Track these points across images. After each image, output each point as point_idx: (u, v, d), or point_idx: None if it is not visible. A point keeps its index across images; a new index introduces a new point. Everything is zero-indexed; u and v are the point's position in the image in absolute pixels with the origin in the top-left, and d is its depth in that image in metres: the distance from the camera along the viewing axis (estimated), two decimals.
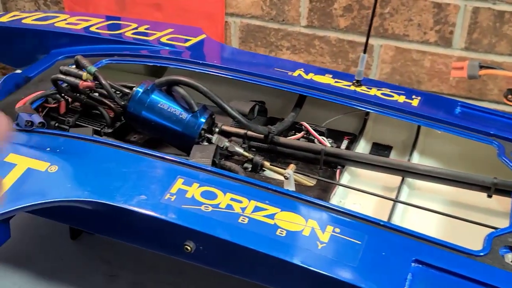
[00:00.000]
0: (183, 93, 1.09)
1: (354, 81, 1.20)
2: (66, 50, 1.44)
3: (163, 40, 1.40)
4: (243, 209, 0.87)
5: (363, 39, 1.75)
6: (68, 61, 1.39)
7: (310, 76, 1.23)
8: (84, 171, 0.95)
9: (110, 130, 1.17)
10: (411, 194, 1.08)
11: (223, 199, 0.89)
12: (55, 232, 1.21)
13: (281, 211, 0.87)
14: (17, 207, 0.89)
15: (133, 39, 1.41)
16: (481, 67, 1.43)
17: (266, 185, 0.92)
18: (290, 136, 1.20)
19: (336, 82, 1.21)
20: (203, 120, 1.09)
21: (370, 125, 1.24)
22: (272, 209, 0.87)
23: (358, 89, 1.19)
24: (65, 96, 1.20)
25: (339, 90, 1.18)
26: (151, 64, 1.30)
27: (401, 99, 1.16)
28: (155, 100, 1.10)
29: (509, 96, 1.37)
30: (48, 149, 1.01)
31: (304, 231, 0.84)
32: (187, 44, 1.38)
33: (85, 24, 1.50)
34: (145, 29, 1.47)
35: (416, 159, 1.15)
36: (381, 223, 0.86)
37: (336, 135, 1.21)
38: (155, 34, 1.43)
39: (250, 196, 0.90)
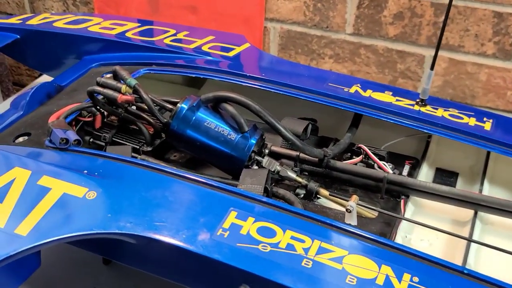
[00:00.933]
0: (233, 111, 0.99)
1: (418, 100, 1.09)
2: (100, 57, 1.35)
3: (204, 48, 1.30)
4: (306, 250, 0.77)
5: (413, 49, 1.64)
6: (102, 69, 1.30)
7: (368, 93, 1.12)
8: (126, 199, 0.86)
9: (149, 149, 1.08)
10: (484, 230, 0.97)
11: (283, 237, 0.79)
12: (87, 257, 1.12)
13: (349, 253, 0.77)
14: (52, 239, 0.80)
15: (171, 46, 1.32)
16: None
17: (330, 221, 0.82)
18: (346, 159, 1.10)
19: (397, 100, 1.10)
20: (253, 141, 0.99)
21: (433, 148, 1.13)
22: (339, 251, 0.77)
23: (423, 109, 1.08)
24: (101, 110, 1.10)
25: (401, 109, 1.07)
26: (193, 75, 1.20)
27: (472, 121, 1.05)
28: (201, 118, 1.00)
29: None
30: (85, 171, 0.91)
31: (378, 279, 0.73)
32: (231, 54, 1.28)
33: (120, 29, 1.40)
34: (184, 35, 1.37)
35: (487, 189, 1.04)
36: (465, 271, 0.75)
37: (396, 159, 1.10)
38: (195, 41, 1.33)
39: (313, 234, 0.79)
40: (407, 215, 0.98)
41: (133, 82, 1.03)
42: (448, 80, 1.60)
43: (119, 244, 0.85)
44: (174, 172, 0.91)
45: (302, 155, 1.05)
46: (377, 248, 0.78)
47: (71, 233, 0.80)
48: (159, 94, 1.32)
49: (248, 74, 1.17)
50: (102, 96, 1.07)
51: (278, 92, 1.13)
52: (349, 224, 0.87)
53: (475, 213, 0.96)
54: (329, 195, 0.98)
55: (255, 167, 1.01)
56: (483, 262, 0.89)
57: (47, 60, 1.48)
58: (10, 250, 0.77)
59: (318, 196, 1.01)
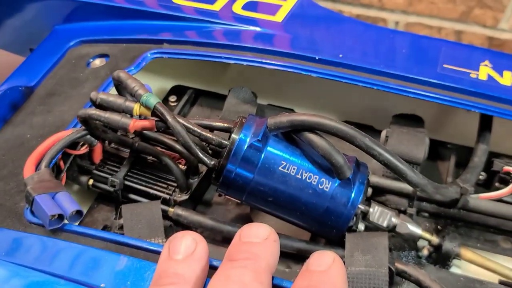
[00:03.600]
0: (325, 147, 0.60)
1: None
2: (79, 29, 0.93)
3: (237, 9, 0.88)
4: None
5: None
6: (85, 49, 0.88)
7: (507, 77, 0.74)
8: None
9: (185, 197, 0.70)
10: None
11: None
12: None
13: None
14: None
15: (186, 10, 0.89)
16: None
17: None
18: (478, 183, 0.74)
19: None
20: (360, 189, 0.62)
21: None
22: None
23: None
24: (101, 137, 0.71)
25: None
26: (229, 61, 0.79)
27: None
28: (273, 159, 0.62)
29: None
30: (103, 285, 0.54)
31: None
32: (278, 16, 0.87)
33: None
34: None
35: None
36: None
37: None
38: None
39: None
40: None
41: (152, 100, 0.63)
42: None
43: None
44: None
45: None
46: None
47: None
48: (168, 77, 0.94)
49: (316, 57, 0.76)
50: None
51: (368, 86, 0.74)
52: None
53: None
54: (477, 257, 0.63)
55: (361, 225, 0.65)
56: None
57: (9, 32, 1.05)
58: None
59: (456, 257, 0.67)
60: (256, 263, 0.40)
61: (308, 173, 0.62)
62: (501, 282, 0.62)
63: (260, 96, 0.84)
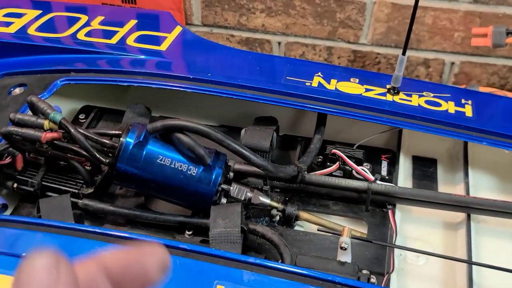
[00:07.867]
0: (189, 143, 0.82)
1: (389, 87, 0.97)
2: (0, 64, 1.11)
3: (130, 42, 1.09)
4: None
5: None
6: (7, 81, 1.07)
7: (333, 84, 0.98)
8: None
9: (91, 190, 0.90)
10: (480, 232, 0.89)
11: None
12: None
13: None
14: None
15: (88, 44, 1.09)
16: (509, 33, 1.24)
17: (334, 278, 0.71)
18: (317, 164, 0.98)
19: (366, 90, 0.97)
20: (219, 172, 0.84)
21: (406, 136, 1.02)
22: None
23: (396, 98, 0.96)
24: (22, 148, 0.90)
25: (371, 102, 0.95)
26: (124, 84, 1.00)
27: (451, 108, 0.95)
28: (152, 154, 0.83)
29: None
30: (24, 254, 0.73)
31: None
32: (163, 46, 1.08)
33: (19, 23, 1.15)
34: (100, 23, 1.14)
35: (472, 178, 0.96)
36: None
37: (371, 155, 0.99)
38: (116, 32, 1.12)
39: None
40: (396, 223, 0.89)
41: (57, 116, 0.84)
42: (392, 26, 1.49)
43: None
44: (137, 237, 0.75)
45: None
46: None
47: None
48: (79, 99, 1.13)
49: (190, 76, 0.98)
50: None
51: (230, 96, 0.96)
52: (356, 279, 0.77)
53: (468, 216, 0.89)
54: (311, 216, 0.87)
55: (223, 199, 0.87)
56: (487, 280, 0.82)
57: None
58: None
59: (297, 219, 0.90)
60: None
61: (179, 163, 0.83)
62: (318, 229, 0.86)
63: (154, 110, 1.05)
